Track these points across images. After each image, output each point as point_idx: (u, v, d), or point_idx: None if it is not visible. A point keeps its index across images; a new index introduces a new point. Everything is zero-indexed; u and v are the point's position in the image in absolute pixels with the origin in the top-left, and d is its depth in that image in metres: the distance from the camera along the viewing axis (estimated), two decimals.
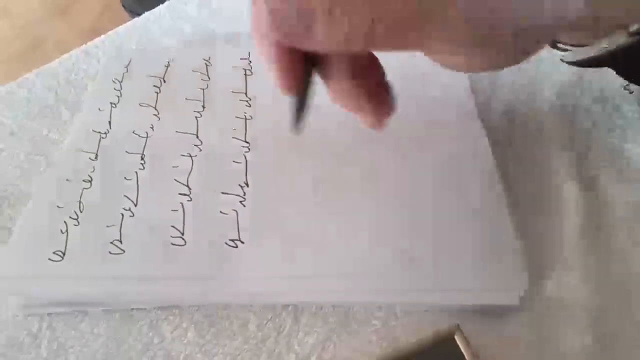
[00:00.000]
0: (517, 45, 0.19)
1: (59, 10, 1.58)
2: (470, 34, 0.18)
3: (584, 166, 0.32)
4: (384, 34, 0.18)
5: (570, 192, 0.31)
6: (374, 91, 0.22)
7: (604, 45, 0.22)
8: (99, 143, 0.35)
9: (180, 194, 0.31)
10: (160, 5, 0.49)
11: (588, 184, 0.31)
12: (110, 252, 0.28)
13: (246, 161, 0.33)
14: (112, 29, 0.47)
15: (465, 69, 0.21)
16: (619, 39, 0.22)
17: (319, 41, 0.18)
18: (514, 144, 0.33)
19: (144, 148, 0.34)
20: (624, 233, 0.29)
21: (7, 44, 1.49)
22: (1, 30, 1.53)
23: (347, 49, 0.19)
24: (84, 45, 0.45)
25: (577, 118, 0.35)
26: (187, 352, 0.26)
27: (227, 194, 0.31)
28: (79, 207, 0.31)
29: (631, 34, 0.21)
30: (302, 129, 0.23)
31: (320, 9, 0.17)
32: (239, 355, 0.26)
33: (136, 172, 0.33)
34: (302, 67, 0.21)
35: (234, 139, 0.34)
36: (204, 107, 0.37)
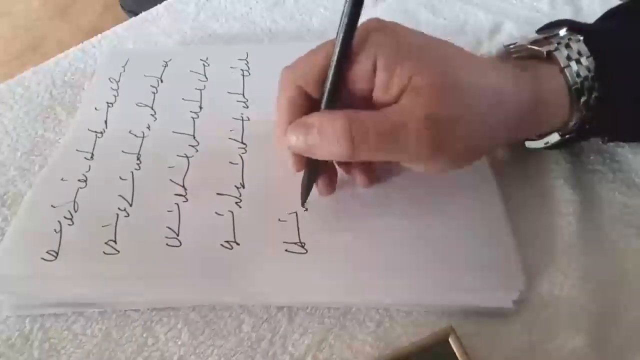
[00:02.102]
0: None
1: (59, 10, 1.58)
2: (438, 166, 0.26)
3: (578, 169, 0.32)
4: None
5: (564, 194, 0.31)
6: (365, 167, 0.30)
7: (545, 141, 0.30)
8: (95, 142, 0.35)
9: (175, 194, 0.31)
10: (158, 5, 0.49)
11: (582, 186, 0.31)
12: (104, 252, 0.28)
13: (242, 162, 0.33)
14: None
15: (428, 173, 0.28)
16: (554, 138, 0.30)
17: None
18: (509, 148, 0.33)
19: (140, 148, 0.34)
20: (618, 235, 0.29)
21: (7, 44, 1.49)
22: (1, 30, 1.53)
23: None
24: (80, 44, 0.45)
25: None
26: (181, 353, 0.26)
27: (223, 195, 0.31)
28: (74, 207, 0.31)
29: (561, 135, 0.29)
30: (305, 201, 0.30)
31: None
32: (233, 356, 0.26)
33: (132, 172, 0.33)
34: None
35: (230, 140, 0.34)
36: (201, 107, 0.37)
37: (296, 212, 0.30)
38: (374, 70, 0.25)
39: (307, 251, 0.28)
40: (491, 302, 0.26)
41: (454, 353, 0.23)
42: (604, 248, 0.29)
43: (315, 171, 0.29)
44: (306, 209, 0.30)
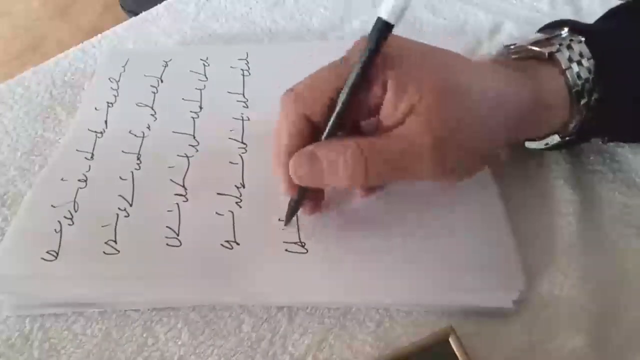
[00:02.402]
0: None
1: (59, 10, 1.58)
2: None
3: (579, 169, 0.32)
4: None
5: (564, 194, 0.31)
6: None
7: (545, 142, 0.30)
8: (95, 142, 0.35)
9: (176, 194, 0.31)
10: (158, 5, 0.49)
11: (582, 186, 0.31)
12: (104, 252, 0.28)
13: (243, 162, 0.33)
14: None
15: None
16: (554, 139, 0.29)
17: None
18: (508, 147, 0.33)
19: (140, 148, 0.34)
20: (618, 235, 0.29)
21: (7, 44, 1.49)
22: (1, 30, 1.53)
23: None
24: (80, 44, 0.45)
25: None
26: (181, 353, 0.26)
27: (223, 194, 0.31)
28: (74, 207, 0.31)
29: (562, 137, 0.29)
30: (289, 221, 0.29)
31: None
32: (233, 356, 0.26)
33: (132, 172, 0.33)
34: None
35: (230, 140, 0.34)
36: (201, 107, 0.37)
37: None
38: (384, 94, 0.24)
39: (307, 251, 0.28)
40: (491, 302, 0.26)
41: (454, 353, 0.23)
42: (604, 248, 0.29)
43: (304, 193, 0.28)
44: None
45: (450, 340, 0.24)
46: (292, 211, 0.29)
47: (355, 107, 0.25)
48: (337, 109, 0.25)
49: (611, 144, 0.33)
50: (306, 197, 0.28)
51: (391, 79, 0.24)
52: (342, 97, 0.24)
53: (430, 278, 0.27)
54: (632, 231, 0.29)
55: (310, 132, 0.26)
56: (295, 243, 0.28)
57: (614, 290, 0.27)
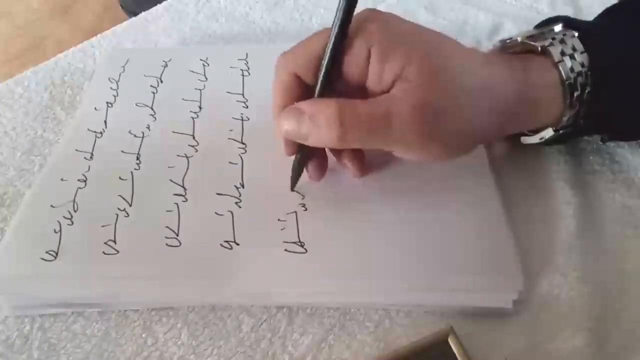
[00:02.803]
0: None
1: (59, 10, 1.58)
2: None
3: (578, 169, 0.32)
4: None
5: (564, 195, 0.31)
6: (354, 156, 0.30)
7: (540, 136, 0.30)
8: (95, 142, 0.35)
9: (175, 194, 0.31)
10: (158, 6, 0.49)
11: (582, 188, 0.31)
12: (104, 252, 0.28)
13: (242, 162, 0.33)
14: None
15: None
16: (548, 133, 0.30)
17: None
18: (508, 147, 0.33)
19: (140, 148, 0.34)
20: (617, 236, 0.29)
21: (7, 44, 1.49)
22: (1, 30, 1.53)
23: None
24: (80, 45, 0.45)
25: None
26: (180, 354, 0.26)
27: (223, 195, 0.31)
28: (73, 207, 0.31)
29: (555, 131, 0.29)
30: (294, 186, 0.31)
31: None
32: (232, 356, 0.26)
33: (131, 172, 0.33)
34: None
35: (230, 140, 0.34)
36: (200, 107, 0.37)
37: (295, 212, 0.30)
38: (368, 60, 0.25)
39: (306, 250, 0.28)
40: (491, 303, 0.26)
41: (454, 353, 0.23)
42: (604, 248, 0.29)
43: (306, 156, 0.29)
44: (305, 209, 0.30)
45: (450, 340, 0.24)
46: (295, 175, 0.30)
47: (345, 71, 0.26)
48: (322, 70, 0.26)
49: (611, 144, 0.33)
50: (309, 162, 0.30)
51: (375, 46, 0.25)
52: (326, 53, 0.26)
53: (430, 278, 0.27)
54: (631, 232, 0.29)
55: (302, 92, 0.27)
56: (294, 243, 0.28)
57: (614, 290, 0.27)
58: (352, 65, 0.26)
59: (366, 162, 0.31)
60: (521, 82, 0.27)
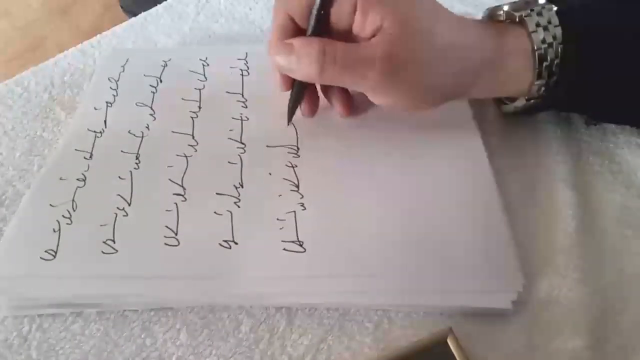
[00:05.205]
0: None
1: (59, 10, 1.58)
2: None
3: (578, 170, 0.32)
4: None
5: (563, 195, 0.31)
6: (340, 96, 0.34)
7: (516, 105, 0.32)
8: (94, 142, 0.35)
9: (174, 194, 0.31)
10: (158, 6, 0.49)
11: (581, 188, 0.31)
12: (103, 252, 0.28)
13: (241, 162, 0.33)
14: None
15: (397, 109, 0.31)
16: (521, 102, 0.32)
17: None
18: (509, 148, 0.34)
19: (139, 147, 0.34)
20: (617, 237, 0.29)
21: (7, 44, 1.49)
22: (1, 30, 1.53)
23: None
24: (80, 45, 0.45)
25: (571, 124, 0.35)
26: (179, 354, 0.26)
27: (222, 194, 0.31)
28: (72, 206, 0.31)
29: (527, 100, 0.31)
30: (290, 120, 0.34)
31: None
32: (231, 357, 0.26)
33: (131, 172, 0.33)
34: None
35: (229, 140, 0.34)
36: (200, 107, 0.37)
37: (294, 212, 0.30)
38: (354, 10, 0.28)
39: (305, 250, 0.28)
40: (490, 303, 0.26)
41: (453, 354, 0.23)
42: (603, 249, 0.29)
43: (301, 93, 0.33)
44: (304, 208, 0.30)
45: (449, 341, 0.24)
46: (290, 110, 0.34)
47: (333, 19, 0.29)
48: (312, 15, 0.29)
49: (610, 144, 0.33)
50: (303, 99, 0.33)
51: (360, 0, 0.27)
52: (315, 6, 0.29)
53: (429, 279, 0.27)
54: (631, 232, 0.29)
55: (296, 34, 0.30)
56: (293, 242, 0.28)
57: (613, 291, 0.27)
58: (339, 14, 0.28)
59: (353, 105, 0.34)
60: (492, 48, 0.29)
